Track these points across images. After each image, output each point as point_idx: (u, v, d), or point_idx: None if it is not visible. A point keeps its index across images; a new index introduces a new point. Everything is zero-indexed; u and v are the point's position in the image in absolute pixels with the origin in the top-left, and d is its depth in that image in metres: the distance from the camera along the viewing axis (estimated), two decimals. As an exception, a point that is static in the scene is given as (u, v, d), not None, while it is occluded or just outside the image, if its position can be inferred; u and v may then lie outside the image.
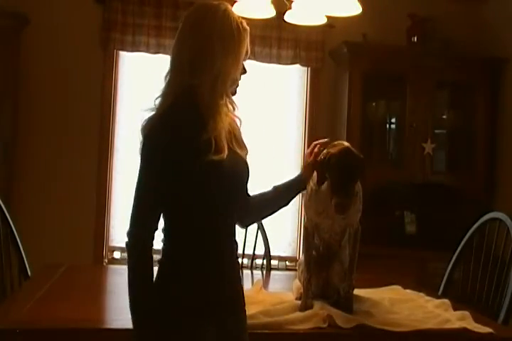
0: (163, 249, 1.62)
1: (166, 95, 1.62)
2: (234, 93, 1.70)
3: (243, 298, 1.71)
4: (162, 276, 1.59)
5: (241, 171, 1.68)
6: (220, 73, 1.60)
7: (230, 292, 1.65)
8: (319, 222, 2.16)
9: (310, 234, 2.19)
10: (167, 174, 1.55)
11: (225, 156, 1.56)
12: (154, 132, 1.56)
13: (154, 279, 1.58)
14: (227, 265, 1.64)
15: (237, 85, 1.70)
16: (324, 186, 2.07)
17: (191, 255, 1.59)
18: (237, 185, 1.67)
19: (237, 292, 1.69)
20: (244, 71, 1.70)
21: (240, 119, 1.72)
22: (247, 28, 1.67)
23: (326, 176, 2.01)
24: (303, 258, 2.28)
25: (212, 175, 1.56)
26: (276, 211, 1.91)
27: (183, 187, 1.57)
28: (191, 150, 1.55)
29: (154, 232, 1.57)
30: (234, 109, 1.68)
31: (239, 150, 1.67)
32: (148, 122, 1.58)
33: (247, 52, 1.67)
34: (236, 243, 1.70)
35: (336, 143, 2.07)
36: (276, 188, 1.90)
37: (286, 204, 1.91)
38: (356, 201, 2.09)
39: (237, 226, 1.72)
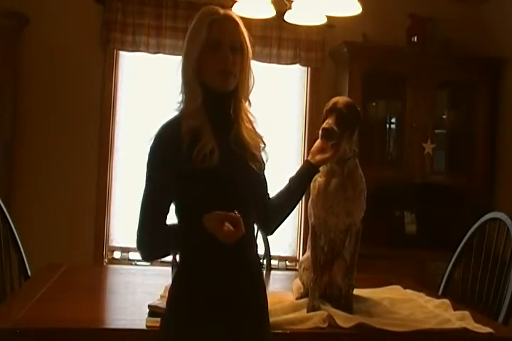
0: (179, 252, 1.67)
1: None
2: (221, 84, 1.72)
3: (261, 300, 1.69)
4: (176, 278, 1.65)
5: (240, 172, 1.65)
6: (183, 64, 1.65)
7: (236, 292, 1.62)
8: (325, 219, 2.17)
9: (317, 233, 2.20)
10: (163, 184, 1.58)
11: (214, 158, 1.56)
12: (151, 143, 1.60)
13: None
14: (233, 267, 1.63)
15: (222, 77, 1.71)
16: (333, 182, 2.13)
17: (198, 257, 1.61)
18: (235, 190, 1.62)
19: (248, 294, 1.65)
20: (224, 60, 1.67)
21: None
22: (217, 16, 1.64)
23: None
24: (306, 257, 2.28)
25: (202, 181, 1.56)
26: (296, 202, 1.90)
27: (177, 196, 1.60)
28: (175, 159, 1.56)
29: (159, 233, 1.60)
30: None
31: (250, 162, 1.67)
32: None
33: (218, 40, 1.64)
34: (248, 244, 1.69)
35: None
36: (290, 179, 1.90)
37: (303, 192, 1.90)
38: (361, 196, 2.16)
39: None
